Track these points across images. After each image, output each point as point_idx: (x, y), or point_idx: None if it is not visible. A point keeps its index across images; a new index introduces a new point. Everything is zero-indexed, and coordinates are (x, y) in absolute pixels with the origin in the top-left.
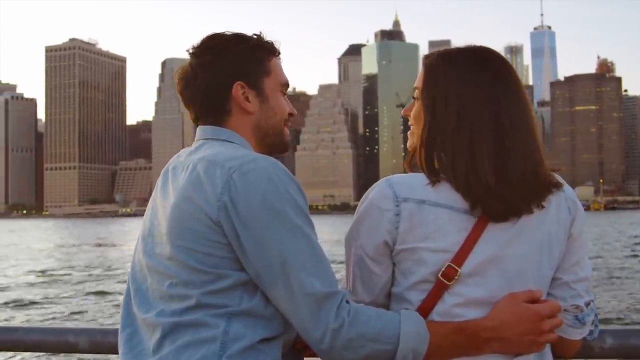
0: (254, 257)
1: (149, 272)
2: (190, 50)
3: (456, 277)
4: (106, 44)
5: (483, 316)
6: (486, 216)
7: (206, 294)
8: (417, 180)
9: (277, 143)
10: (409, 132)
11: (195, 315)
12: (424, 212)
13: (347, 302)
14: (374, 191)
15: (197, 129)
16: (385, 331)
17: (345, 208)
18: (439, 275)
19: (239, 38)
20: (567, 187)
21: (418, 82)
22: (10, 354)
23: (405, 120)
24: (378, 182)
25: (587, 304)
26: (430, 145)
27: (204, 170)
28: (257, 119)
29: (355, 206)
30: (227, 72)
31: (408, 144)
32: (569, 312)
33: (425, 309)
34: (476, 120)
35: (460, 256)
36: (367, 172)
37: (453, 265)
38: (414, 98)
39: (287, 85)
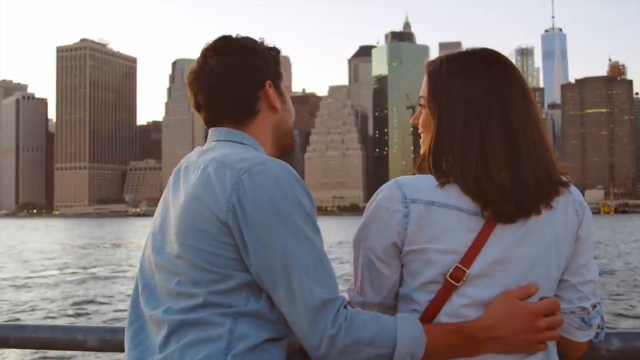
0: (258, 259)
1: (156, 269)
2: (214, 49)
3: (464, 278)
4: (117, 45)
5: (478, 316)
6: (495, 217)
7: (213, 293)
8: (426, 181)
9: (289, 144)
10: (420, 140)
11: (202, 314)
12: (433, 214)
13: (345, 307)
14: (383, 192)
15: (210, 130)
16: (381, 335)
17: (354, 209)
18: (447, 276)
19: (257, 40)
20: (574, 188)
21: (423, 90)
22: (19, 351)
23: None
24: (386, 183)
25: (594, 306)
26: (439, 149)
27: (215, 171)
28: (280, 119)
29: (365, 207)
30: (258, 70)
31: (421, 152)
32: (576, 314)
33: (432, 310)
34: (485, 124)
35: (469, 257)
36: (376, 174)
37: (461, 267)
38: (420, 105)
39: (290, 89)
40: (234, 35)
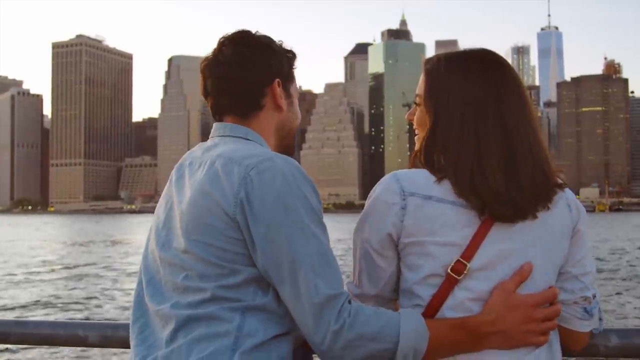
0: (264, 254)
1: (162, 265)
2: (231, 39)
3: (465, 272)
4: (113, 41)
5: (480, 310)
6: (493, 218)
7: (221, 287)
8: (423, 176)
9: (290, 145)
10: (415, 138)
11: (210, 309)
12: (430, 207)
13: (350, 302)
14: (381, 185)
15: (215, 125)
16: (384, 330)
17: (350, 207)
18: (449, 269)
19: (275, 40)
20: (566, 189)
21: (419, 88)
22: (20, 347)
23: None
24: (385, 176)
25: (593, 297)
26: (431, 147)
27: (222, 167)
28: (284, 119)
29: (360, 205)
30: (270, 67)
31: (415, 149)
32: (579, 304)
33: (436, 304)
34: (481, 124)
35: (469, 251)
36: (372, 171)
37: (462, 260)
38: (416, 104)
39: (298, 93)
40: (253, 31)
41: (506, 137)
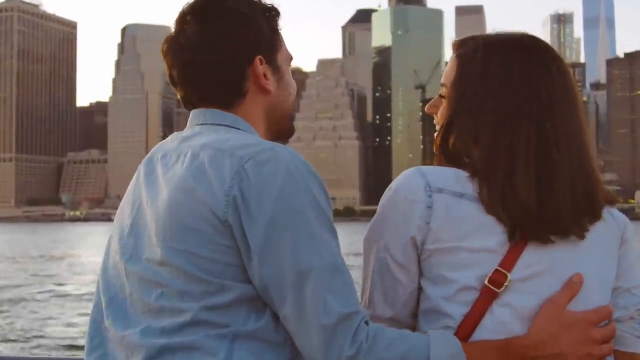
0: (262, 264)
1: (128, 280)
2: (193, 13)
3: (506, 284)
4: (52, 6)
5: (525, 330)
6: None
7: (205, 308)
8: (454, 171)
9: (286, 128)
10: (435, 134)
11: (191, 337)
12: (463, 207)
13: (367, 323)
14: (401, 179)
15: (193, 112)
16: (410, 355)
17: (349, 213)
18: (485, 281)
19: (251, 1)
20: None
21: (446, 77)
22: None
23: (426, 103)
24: (405, 171)
25: None
26: (452, 136)
27: (210, 158)
28: (274, 100)
29: (362, 212)
30: (246, 43)
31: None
32: (635, 319)
33: (470, 325)
34: (516, 128)
35: (510, 258)
36: (376, 169)
37: (501, 270)
38: (441, 96)
39: (291, 60)
40: None
41: (545, 146)
